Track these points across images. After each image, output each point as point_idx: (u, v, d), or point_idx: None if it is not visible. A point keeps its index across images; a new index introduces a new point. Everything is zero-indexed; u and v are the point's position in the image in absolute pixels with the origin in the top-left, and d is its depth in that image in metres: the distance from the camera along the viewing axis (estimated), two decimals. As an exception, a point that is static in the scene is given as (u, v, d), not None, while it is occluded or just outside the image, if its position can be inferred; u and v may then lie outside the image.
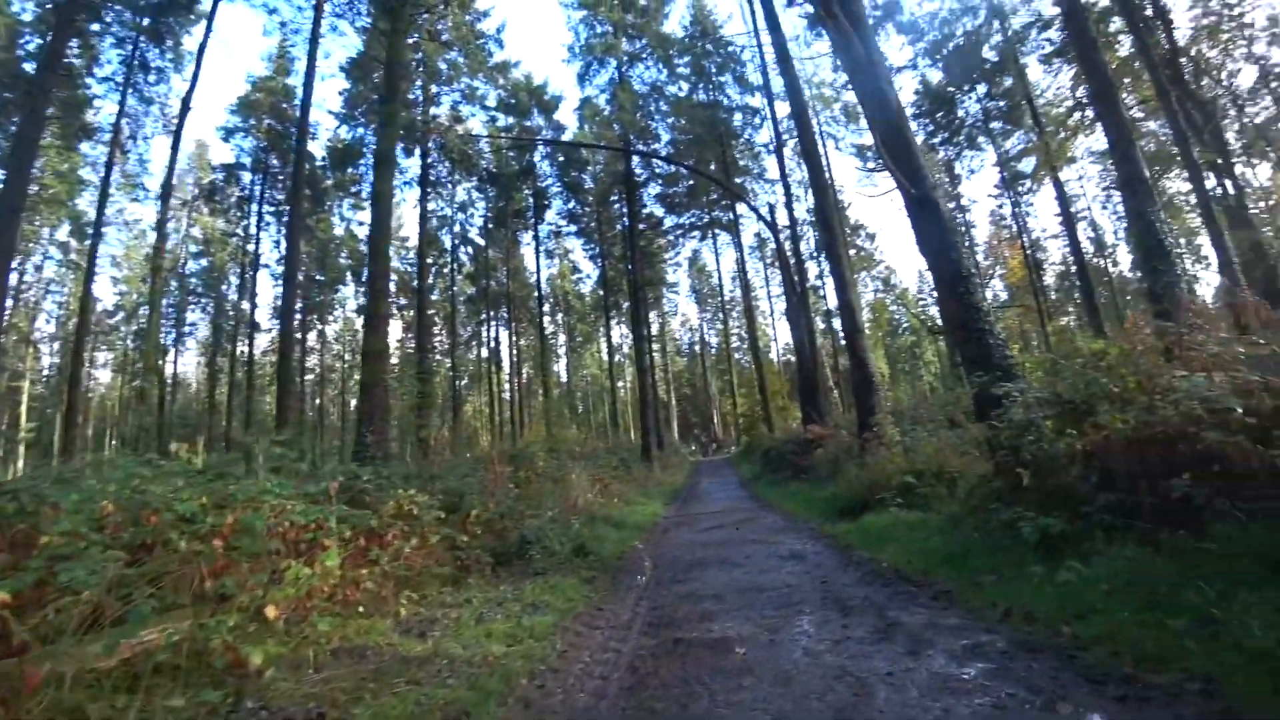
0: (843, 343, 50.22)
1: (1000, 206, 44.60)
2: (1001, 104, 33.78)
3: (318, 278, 43.45)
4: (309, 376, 53.29)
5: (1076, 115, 29.38)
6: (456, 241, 42.18)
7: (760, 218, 20.92)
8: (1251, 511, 3.66)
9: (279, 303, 41.90)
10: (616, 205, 37.14)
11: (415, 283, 28.82)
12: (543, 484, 11.12)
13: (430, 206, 41.95)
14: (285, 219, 28.34)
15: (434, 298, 46.67)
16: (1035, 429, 5.77)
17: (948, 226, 8.00)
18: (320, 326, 51.10)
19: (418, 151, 29.48)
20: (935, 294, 7.75)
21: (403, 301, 49.18)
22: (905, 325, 60.10)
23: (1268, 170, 31.55)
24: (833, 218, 13.93)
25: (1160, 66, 20.33)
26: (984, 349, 7.38)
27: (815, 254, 40.29)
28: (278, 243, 35.41)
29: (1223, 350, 4.98)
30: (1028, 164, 36.14)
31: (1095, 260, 42.72)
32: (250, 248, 37.99)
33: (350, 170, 32.66)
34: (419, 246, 26.84)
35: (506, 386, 50.74)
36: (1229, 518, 3.68)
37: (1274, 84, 26.68)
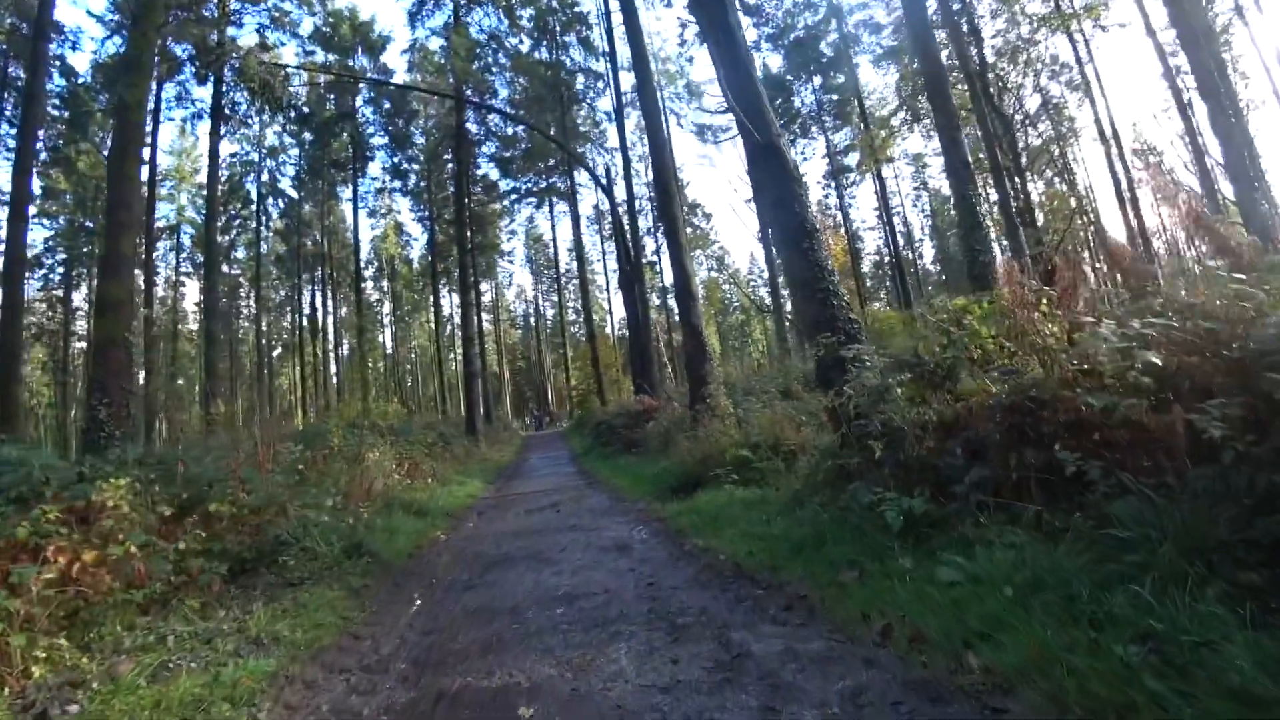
0: (675, 318, 50.73)
1: (826, 197, 46.97)
2: (834, 97, 35.12)
3: (88, 224, 36.32)
4: (80, 344, 45.13)
5: (899, 116, 31.18)
6: (264, 191, 37.21)
7: (598, 183, 19.78)
8: (1153, 487, 3.00)
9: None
10: (449, 164, 34.33)
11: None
12: (333, 466, 9.25)
13: (232, 149, 36.57)
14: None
15: (239, 255, 41.16)
16: (889, 396, 5.07)
17: (793, 176, 7.22)
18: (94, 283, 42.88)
19: (211, 80, 25.06)
20: (777, 252, 6.90)
21: (200, 258, 42.79)
22: (736, 304, 62.19)
23: (1041, 185, 35.35)
24: (670, 182, 13.05)
25: (974, 78, 21.64)
26: (828, 310, 6.67)
27: (652, 229, 39.92)
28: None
29: (1090, 306, 4.47)
30: (853, 158, 38.16)
31: (905, 252, 46.10)
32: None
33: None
34: (209, 191, 22.75)
35: (328, 358, 46.09)
36: (1131, 495, 3.00)
37: (1051, 112, 30.02)
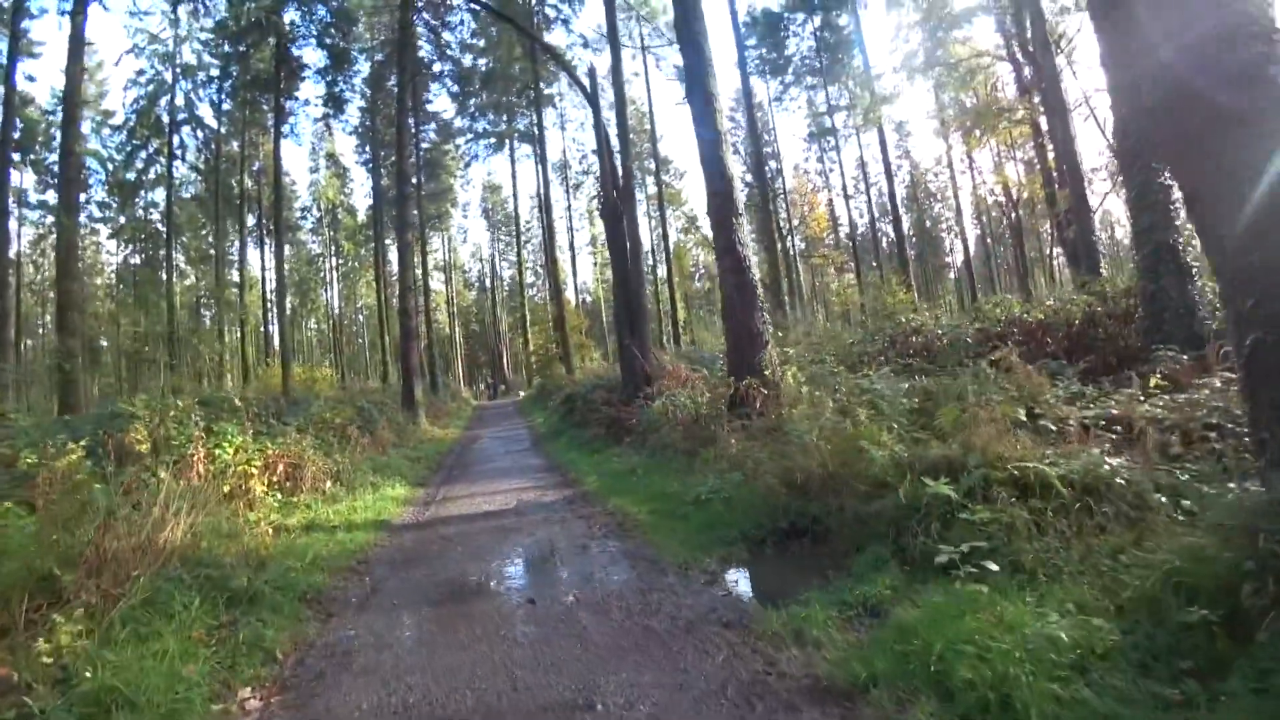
0: (676, 251, 45.76)
1: (806, 160, 42.71)
2: (832, 39, 30.24)
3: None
4: None
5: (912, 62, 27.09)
6: (179, 118, 30.61)
7: (580, 87, 14.96)
8: None
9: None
10: (395, 89, 28.34)
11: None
12: (78, 497, 4.48)
13: (137, 66, 30.00)
14: None
15: (156, 196, 34.13)
16: None
17: None
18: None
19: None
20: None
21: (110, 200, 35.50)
22: (703, 271, 57.82)
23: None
24: (703, 41, 8.33)
25: None
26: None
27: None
28: None
29: None
30: (838, 119, 34.13)
31: (880, 225, 41.89)
32: None
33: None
34: (66, 86, 16.70)
35: (268, 317, 39.59)
36: None
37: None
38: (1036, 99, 18.26)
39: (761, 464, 5.33)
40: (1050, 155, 18.28)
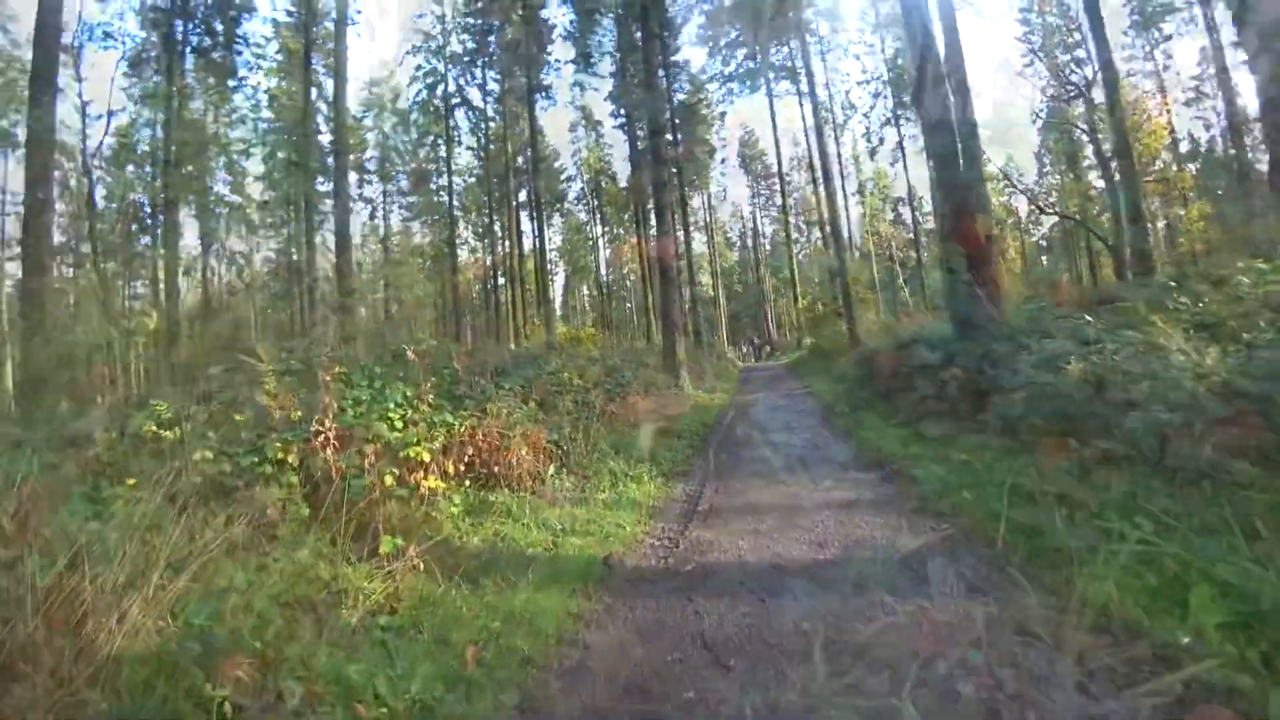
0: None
1: (1129, 60, 31.65)
2: None
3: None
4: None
5: None
6: (454, 102, 32.49)
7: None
8: None
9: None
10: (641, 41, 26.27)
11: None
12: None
13: (415, 63, 32.32)
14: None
15: (444, 181, 36.87)
16: None
17: None
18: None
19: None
20: None
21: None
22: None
23: None
24: None
25: None
26: None
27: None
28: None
29: None
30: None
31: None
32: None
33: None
34: (335, 72, 16.85)
35: (544, 283, 41.41)
36: None
37: None
38: None
39: None
40: None
